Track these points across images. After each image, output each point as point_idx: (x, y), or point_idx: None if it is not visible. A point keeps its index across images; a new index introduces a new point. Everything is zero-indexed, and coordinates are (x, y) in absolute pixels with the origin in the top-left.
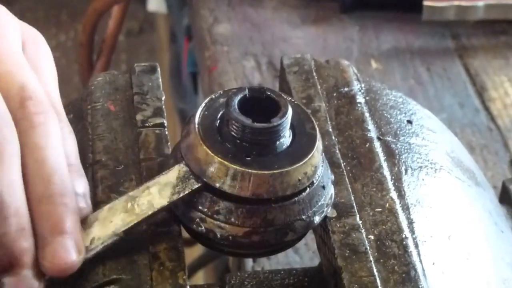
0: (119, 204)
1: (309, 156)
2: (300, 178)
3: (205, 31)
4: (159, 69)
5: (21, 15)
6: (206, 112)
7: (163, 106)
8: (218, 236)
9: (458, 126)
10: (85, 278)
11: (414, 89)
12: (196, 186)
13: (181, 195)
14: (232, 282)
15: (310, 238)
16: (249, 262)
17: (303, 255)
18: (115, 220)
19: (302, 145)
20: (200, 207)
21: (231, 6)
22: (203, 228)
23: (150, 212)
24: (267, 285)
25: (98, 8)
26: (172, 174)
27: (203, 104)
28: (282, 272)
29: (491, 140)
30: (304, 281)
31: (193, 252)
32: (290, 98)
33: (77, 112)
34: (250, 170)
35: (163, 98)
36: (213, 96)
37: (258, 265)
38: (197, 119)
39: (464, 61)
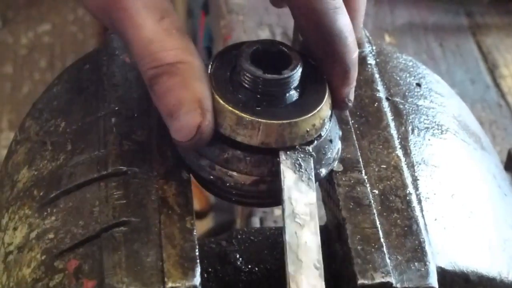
0: None
1: (318, 109)
2: (308, 129)
3: (222, 0)
4: None
5: None
6: (219, 63)
7: None
8: (227, 184)
9: (469, 101)
10: (94, 219)
11: (426, 64)
12: None
13: None
14: (239, 237)
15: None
16: (256, 225)
17: None
18: None
19: (311, 98)
20: (210, 155)
21: None
22: (212, 175)
23: None
24: (273, 241)
25: None
26: None
27: (216, 55)
28: None
29: (500, 116)
30: None
31: (203, 226)
32: (302, 53)
33: (93, 63)
34: (259, 119)
35: None
36: (227, 48)
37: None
38: (210, 69)
39: (477, 39)
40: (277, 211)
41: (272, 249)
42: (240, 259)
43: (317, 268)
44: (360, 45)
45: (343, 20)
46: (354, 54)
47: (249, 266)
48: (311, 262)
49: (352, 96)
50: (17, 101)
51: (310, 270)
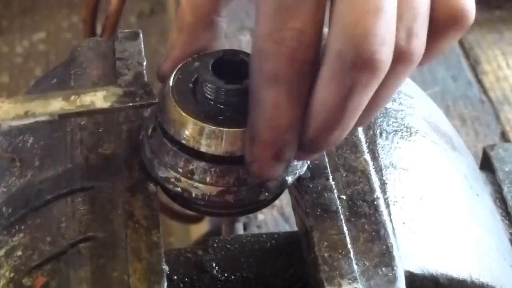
0: (63, 93)
1: None
2: None
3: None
4: (141, 35)
5: None
6: (181, 76)
7: (144, 71)
8: (193, 195)
9: (451, 98)
10: (61, 235)
11: None
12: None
13: (126, 105)
14: (215, 245)
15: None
16: (240, 231)
17: (293, 224)
18: (54, 103)
19: None
20: (175, 167)
21: None
22: (178, 188)
23: (90, 109)
24: (249, 248)
25: None
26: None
27: (177, 68)
28: (264, 236)
29: (483, 112)
30: (286, 244)
31: (200, 229)
32: None
33: (61, 77)
34: (222, 128)
35: (145, 63)
36: (189, 60)
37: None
38: (171, 82)
39: None
40: (260, 216)
41: (249, 257)
42: (217, 267)
43: None
44: None
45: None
46: None
47: (225, 275)
48: None
49: (261, 171)
50: None
51: None
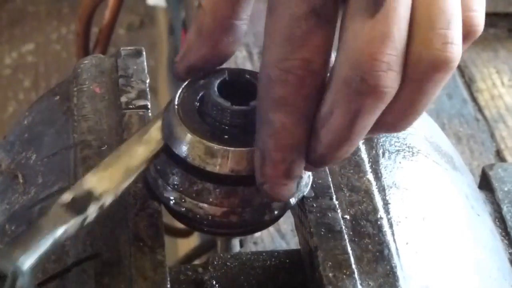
0: (134, 140)
1: None
2: None
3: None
4: (144, 53)
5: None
6: (186, 94)
7: (147, 89)
8: (198, 215)
9: (446, 116)
10: (65, 253)
11: None
12: None
13: None
14: (215, 263)
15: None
16: (236, 248)
17: (290, 240)
18: (138, 150)
19: None
20: (180, 187)
21: None
22: (183, 208)
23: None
24: (249, 266)
25: None
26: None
27: (183, 86)
28: (264, 254)
29: (478, 130)
30: (286, 262)
31: (190, 243)
32: None
33: (63, 94)
34: (228, 148)
35: (148, 81)
36: (193, 78)
37: (245, 250)
38: (176, 100)
39: None
40: (257, 232)
41: (249, 274)
42: (217, 285)
43: None
44: None
45: None
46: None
47: None
48: None
49: (272, 191)
50: (2, 122)
51: None
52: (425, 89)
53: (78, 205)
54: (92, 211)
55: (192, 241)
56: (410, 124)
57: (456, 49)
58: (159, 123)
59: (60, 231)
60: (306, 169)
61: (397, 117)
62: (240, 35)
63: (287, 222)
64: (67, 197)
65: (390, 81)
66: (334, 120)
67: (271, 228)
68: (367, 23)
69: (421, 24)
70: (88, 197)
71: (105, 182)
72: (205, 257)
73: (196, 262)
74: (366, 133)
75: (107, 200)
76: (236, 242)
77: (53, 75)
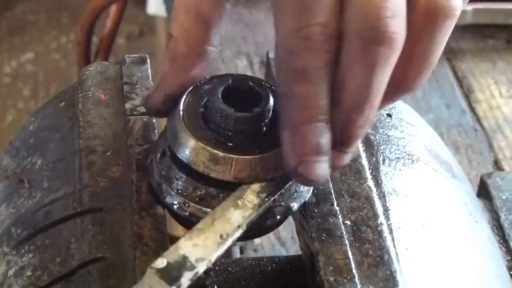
0: (229, 204)
1: None
2: (280, 162)
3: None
4: (148, 60)
5: (22, 18)
6: (191, 99)
7: None
8: (201, 220)
9: (445, 126)
10: (71, 255)
11: None
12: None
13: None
14: (217, 268)
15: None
16: (236, 254)
17: (289, 248)
18: (233, 216)
19: None
20: (183, 192)
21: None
22: (186, 212)
23: (263, 204)
24: (250, 271)
25: (96, 7)
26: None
27: (187, 92)
28: (265, 259)
29: (476, 140)
30: (286, 268)
31: None
32: (272, 86)
33: (69, 100)
34: (232, 155)
35: None
36: (198, 84)
37: (245, 256)
38: (181, 106)
39: (452, 64)
40: (257, 240)
41: (250, 280)
42: None
43: None
44: None
45: None
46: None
47: None
48: None
49: (306, 171)
50: (1, 131)
51: None
52: (431, 37)
53: (173, 273)
54: (185, 280)
55: None
56: (424, 79)
57: None
58: (255, 187)
59: None
60: (334, 158)
61: (409, 70)
62: (213, 60)
63: (287, 229)
64: (161, 262)
65: (397, 27)
66: (351, 80)
67: (271, 236)
68: None
69: None
70: (183, 265)
71: (199, 249)
72: None
73: None
74: (383, 90)
75: (201, 268)
76: (236, 249)
77: (53, 84)
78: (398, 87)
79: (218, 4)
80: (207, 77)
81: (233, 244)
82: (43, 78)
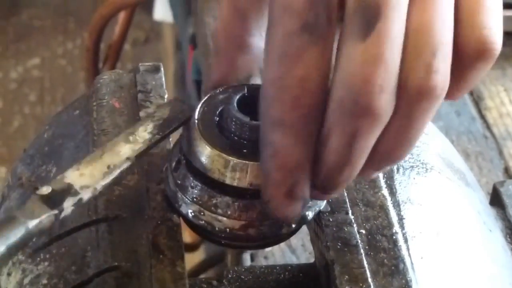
0: (120, 139)
1: None
2: None
3: (209, 38)
4: (162, 68)
5: (29, 23)
6: (206, 108)
7: None
8: (216, 228)
9: (455, 133)
10: (86, 264)
11: None
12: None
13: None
14: (229, 276)
15: (307, 240)
16: (247, 262)
17: (300, 255)
18: (122, 149)
19: None
20: (199, 201)
21: None
22: (202, 221)
23: (153, 141)
24: (263, 280)
25: (104, 14)
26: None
27: (203, 100)
28: (278, 267)
29: (486, 147)
30: (299, 276)
31: (195, 258)
32: None
33: (83, 109)
34: (247, 162)
35: (166, 96)
36: (213, 93)
37: (255, 264)
38: (197, 115)
39: None
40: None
41: (262, 287)
42: None
43: None
44: None
45: None
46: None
47: None
48: None
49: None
50: (7, 136)
51: None
52: (413, 116)
53: (55, 199)
54: (68, 205)
55: (197, 256)
56: (405, 154)
57: (440, 78)
58: (148, 124)
59: (33, 223)
60: (314, 196)
61: (390, 145)
62: (257, 52)
63: (297, 237)
64: (45, 189)
65: (383, 103)
66: (332, 143)
67: (282, 243)
68: (359, 45)
69: (409, 50)
70: (66, 191)
71: (85, 178)
72: (211, 271)
73: (202, 276)
74: (366, 155)
75: (85, 195)
76: (246, 256)
77: (59, 90)
78: (377, 158)
79: None
80: (222, 87)
81: (121, 173)
82: (49, 83)
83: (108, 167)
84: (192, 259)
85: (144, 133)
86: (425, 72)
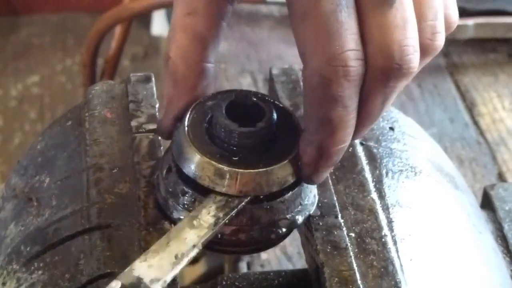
0: (185, 224)
1: (293, 155)
2: (285, 175)
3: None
4: (153, 78)
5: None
6: (195, 115)
7: (157, 113)
8: None
9: (448, 140)
10: (80, 271)
11: (405, 105)
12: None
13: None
14: (224, 283)
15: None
16: (244, 270)
17: (296, 262)
18: (188, 236)
19: (287, 144)
20: (190, 207)
21: (229, 25)
22: None
23: (218, 224)
24: (257, 286)
25: (100, 29)
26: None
27: (192, 107)
28: (271, 273)
29: (480, 153)
30: (293, 282)
31: (196, 271)
32: (275, 101)
33: (75, 119)
34: (237, 169)
35: (157, 105)
36: (202, 100)
37: (251, 271)
38: (186, 122)
39: (455, 78)
40: (263, 255)
41: None
42: None
43: None
44: None
45: None
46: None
47: None
48: None
49: (318, 178)
50: (8, 153)
51: None
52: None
53: None
54: None
55: (198, 269)
56: (367, 129)
57: (442, 37)
58: (210, 206)
59: None
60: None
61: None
62: (213, 77)
63: (293, 244)
64: (115, 285)
65: (417, 61)
66: (369, 106)
67: (277, 251)
68: (387, 13)
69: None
70: (137, 286)
71: (154, 270)
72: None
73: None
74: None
75: None
76: (243, 265)
77: (59, 107)
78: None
79: (214, 23)
80: (211, 93)
81: (189, 261)
82: (49, 100)
83: (176, 256)
84: (193, 272)
85: (208, 217)
86: (431, 33)
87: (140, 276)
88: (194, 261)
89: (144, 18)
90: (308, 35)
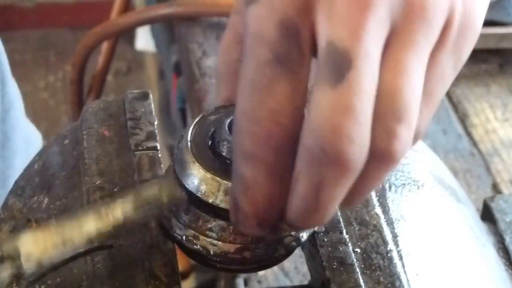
0: (94, 210)
1: None
2: None
3: (194, 65)
4: (151, 95)
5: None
6: (198, 130)
7: (156, 130)
8: (211, 253)
9: (442, 151)
10: None
11: None
12: None
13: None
14: None
15: (299, 262)
16: (240, 287)
17: (293, 278)
18: (88, 224)
19: None
20: (193, 225)
21: (219, 40)
22: (197, 246)
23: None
24: None
25: (88, 44)
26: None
27: (194, 122)
28: None
29: (473, 164)
30: None
31: (186, 286)
32: None
33: (73, 138)
34: None
35: (156, 122)
36: (204, 114)
37: None
38: (189, 137)
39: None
40: (261, 271)
41: None
42: None
43: None
44: None
45: None
46: None
47: None
48: None
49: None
50: None
51: None
52: (368, 175)
53: None
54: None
55: (189, 284)
56: (353, 205)
57: (401, 145)
58: (126, 205)
59: None
60: (286, 230)
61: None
62: None
63: (289, 260)
64: None
65: (353, 155)
66: (300, 188)
67: (274, 267)
68: (329, 92)
69: (376, 110)
70: (9, 255)
71: (35, 246)
72: None
73: None
74: (335, 205)
75: (27, 265)
76: (240, 281)
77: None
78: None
79: None
80: (214, 107)
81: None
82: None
83: (63, 240)
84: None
85: (118, 213)
86: (387, 136)
87: (16, 247)
88: (183, 276)
89: (127, 33)
90: (239, 77)
